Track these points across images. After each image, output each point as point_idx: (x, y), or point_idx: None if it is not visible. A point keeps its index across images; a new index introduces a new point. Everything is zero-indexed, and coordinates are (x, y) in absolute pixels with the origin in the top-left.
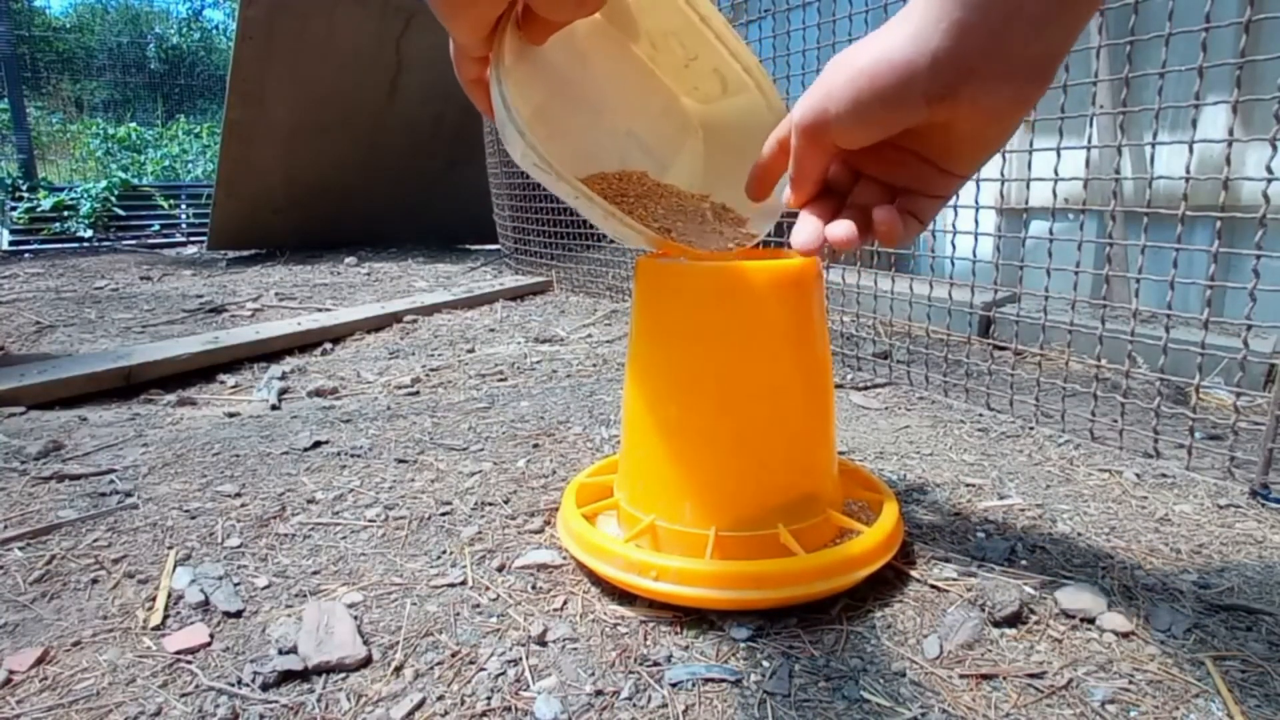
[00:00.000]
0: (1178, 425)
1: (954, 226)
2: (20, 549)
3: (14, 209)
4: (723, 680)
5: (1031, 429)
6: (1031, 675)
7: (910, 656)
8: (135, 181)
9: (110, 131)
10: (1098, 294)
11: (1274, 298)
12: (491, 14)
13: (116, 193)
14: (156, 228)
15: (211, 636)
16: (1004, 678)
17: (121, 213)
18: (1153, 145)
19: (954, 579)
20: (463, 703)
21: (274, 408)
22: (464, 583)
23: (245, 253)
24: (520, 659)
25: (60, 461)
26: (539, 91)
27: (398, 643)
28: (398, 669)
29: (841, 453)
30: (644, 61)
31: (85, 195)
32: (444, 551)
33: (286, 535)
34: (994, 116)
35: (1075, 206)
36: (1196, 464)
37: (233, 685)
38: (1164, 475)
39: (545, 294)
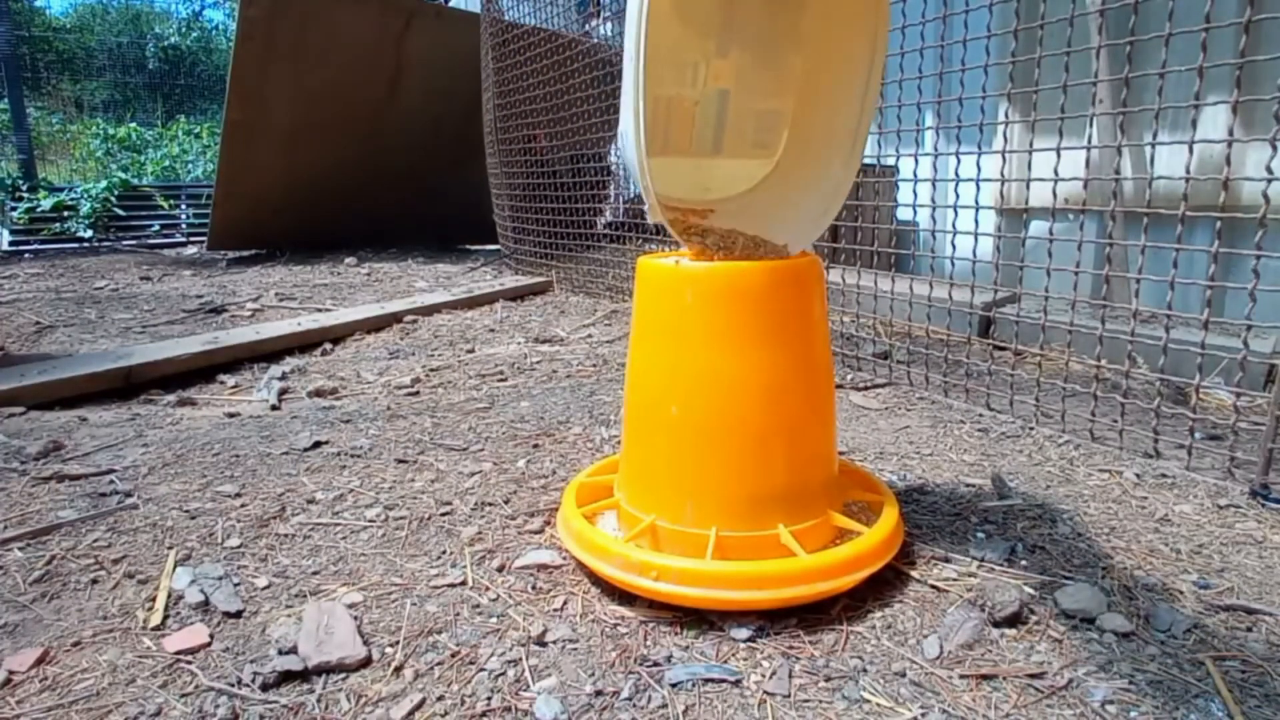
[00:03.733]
0: (1178, 425)
1: (954, 226)
2: (20, 549)
3: (14, 209)
4: (723, 680)
5: (1031, 429)
6: (1031, 675)
7: (910, 656)
8: (135, 182)
9: (110, 132)
10: (1098, 294)
11: (1274, 298)
12: None
13: (116, 193)
14: (156, 228)
15: (211, 637)
16: (1004, 678)
17: (121, 213)
18: (1153, 145)
19: (954, 579)
20: (463, 703)
21: (274, 408)
22: (464, 583)
23: (245, 253)
24: (520, 659)
25: (60, 461)
26: None
27: (398, 643)
28: (398, 669)
29: (841, 453)
30: (794, 72)
31: (85, 195)
32: (444, 552)
33: (286, 535)
34: None
35: (1075, 206)
36: (1196, 464)
37: (233, 685)
38: (1164, 475)
39: (545, 294)
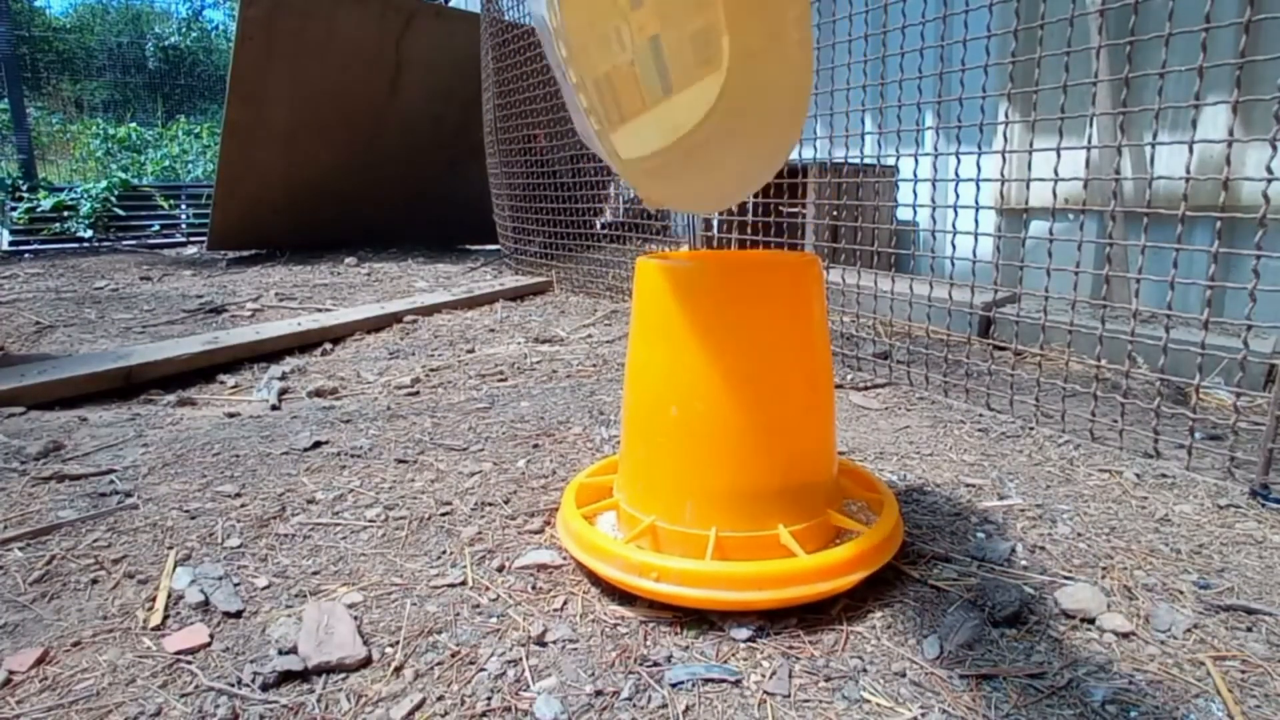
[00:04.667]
0: (1178, 425)
1: (954, 226)
2: (20, 549)
3: (14, 209)
4: (723, 680)
5: (1031, 429)
6: (1031, 675)
7: (910, 656)
8: (135, 182)
9: (110, 132)
10: (1098, 294)
11: (1274, 298)
12: None
13: (116, 193)
14: (156, 228)
15: (211, 637)
16: (1004, 678)
17: (121, 213)
18: (1153, 145)
19: (954, 579)
20: (463, 703)
21: (274, 408)
22: (464, 583)
23: (245, 253)
24: (520, 659)
25: (60, 461)
26: None
27: (398, 643)
28: (398, 669)
29: (841, 453)
30: None
31: (85, 195)
32: (444, 552)
33: (286, 535)
34: None
35: (1075, 206)
36: (1196, 464)
37: (233, 685)
38: (1164, 475)
39: (545, 294)
